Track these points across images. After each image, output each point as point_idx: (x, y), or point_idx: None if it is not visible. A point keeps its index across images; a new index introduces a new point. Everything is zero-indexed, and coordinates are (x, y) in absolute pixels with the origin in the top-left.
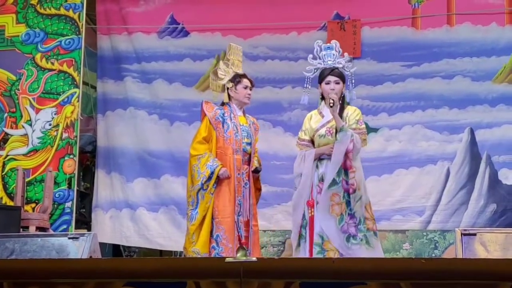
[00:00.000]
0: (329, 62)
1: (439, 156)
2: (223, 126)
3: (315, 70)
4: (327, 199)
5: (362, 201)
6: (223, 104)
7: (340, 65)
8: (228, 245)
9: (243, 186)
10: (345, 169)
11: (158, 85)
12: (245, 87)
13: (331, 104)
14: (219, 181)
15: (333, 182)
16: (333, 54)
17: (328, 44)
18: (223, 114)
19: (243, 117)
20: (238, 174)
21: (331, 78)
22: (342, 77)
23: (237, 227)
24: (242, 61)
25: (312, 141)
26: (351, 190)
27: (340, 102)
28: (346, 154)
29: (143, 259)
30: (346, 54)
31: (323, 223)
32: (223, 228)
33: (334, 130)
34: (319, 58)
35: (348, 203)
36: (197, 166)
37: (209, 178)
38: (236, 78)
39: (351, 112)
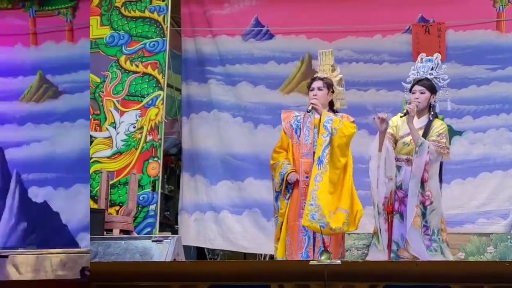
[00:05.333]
0: (421, 73)
1: None
2: (296, 132)
3: (411, 81)
4: (412, 211)
5: (438, 212)
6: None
7: (431, 76)
8: (291, 248)
9: None
10: (421, 181)
11: (242, 88)
12: (312, 90)
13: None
14: (292, 186)
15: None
16: (427, 66)
17: (430, 56)
18: (298, 120)
19: (319, 119)
20: (306, 177)
21: (416, 87)
22: (427, 87)
23: (300, 231)
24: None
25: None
26: (427, 202)
27: (431, 112)
28: (424, 167)
29: (227, 262)
30: (443, 67)
31: (408, 233)
32: (289, 232)
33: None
34: (415, 69)
35: (423, 214)
36: (273, 175)
37: (281, 184)
38: (309, 83)
39: (437, 125)
